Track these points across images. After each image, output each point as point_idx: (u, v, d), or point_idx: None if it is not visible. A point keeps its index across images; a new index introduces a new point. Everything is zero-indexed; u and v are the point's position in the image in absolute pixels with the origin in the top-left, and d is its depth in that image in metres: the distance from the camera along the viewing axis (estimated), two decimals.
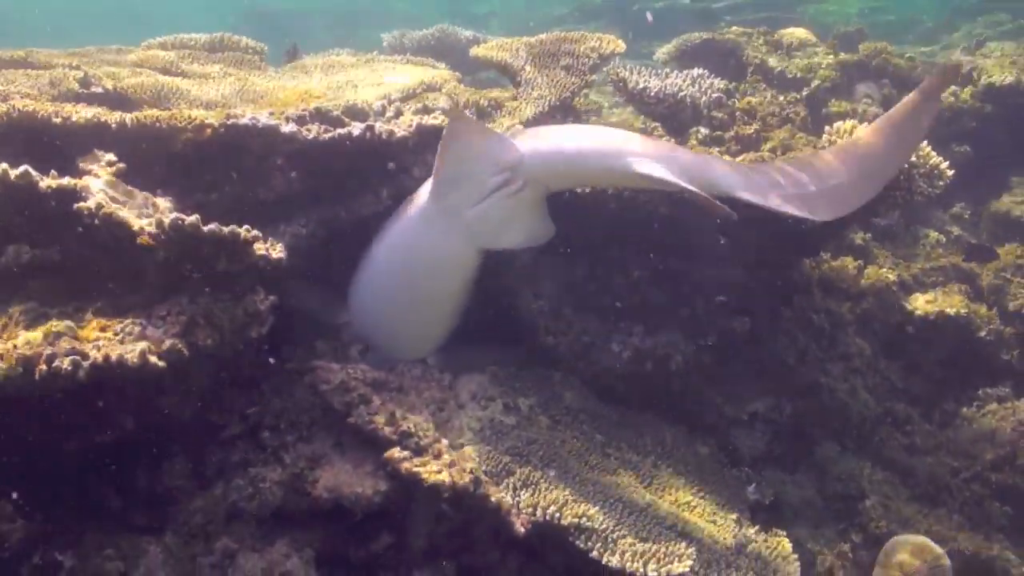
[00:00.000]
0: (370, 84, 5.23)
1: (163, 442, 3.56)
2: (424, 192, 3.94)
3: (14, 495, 3.11)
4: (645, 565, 3.12)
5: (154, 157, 3.82)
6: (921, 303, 5.78)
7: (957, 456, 5.15)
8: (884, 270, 5.96)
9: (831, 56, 7.71)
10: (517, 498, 3.37)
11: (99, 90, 4.96)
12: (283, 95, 4.67)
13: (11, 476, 3.12)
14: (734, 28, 8.51)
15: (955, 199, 7.20)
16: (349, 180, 4.13)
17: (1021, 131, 7.09)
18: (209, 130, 3.74)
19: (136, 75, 4.92)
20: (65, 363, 2.43)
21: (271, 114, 3.88)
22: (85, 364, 2.46)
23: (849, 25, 11.63)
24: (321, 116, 4.11)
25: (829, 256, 5.84)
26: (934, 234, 6.86)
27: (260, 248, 3.10)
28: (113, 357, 2.51)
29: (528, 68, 4.97)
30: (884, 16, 18.61)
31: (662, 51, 7.94)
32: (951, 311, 5.66)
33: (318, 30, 18.45)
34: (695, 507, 3.87)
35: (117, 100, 4.80)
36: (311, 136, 3.84)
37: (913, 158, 4.32)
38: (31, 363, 2.45)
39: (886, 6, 19.49)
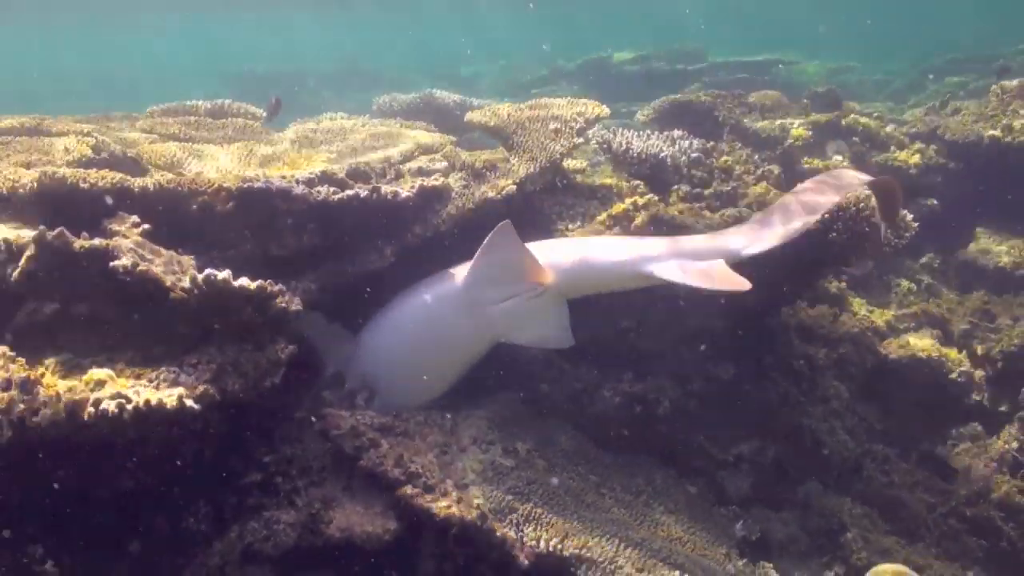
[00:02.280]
0: (368, 148, 5.54)
1: (182, 488, 3.75)
2: (457, 275, 4.37)
3: (44, 539, 3.29)
4: None
5: (172, 218, 4.07)
6: (894, 347, 6.07)
7: (933, 493, 5.38)
8: (860, 316, 6.26)
9: (803, 116, 8.13)
10: (521, 532, 3.58)
11: (108, 156, 5.22)
12: (289, 158, 4.96)
13: (43, 521, 3.31)
14: (712, 91, 8.94)
15: (925, 249, 7.56)
16: (355, 238, 4.40)
17: (984, 185, 7.49)
18: (225, 193, 4.00)
19: (148, 142, 5.19)
20: (111, 406, 2.65)
21: (283, 177, 4.16)
22: (128, 407, 2.68)
23: (820, 86, 12.14)
24: (328, 179, 4.40)
25: (806, 305, 6.14)
26: (906, 283, 7.20)
27: (280, 301, 3.34)
28: (154, 401, 2.73)
29: (519, 132, 5.29)
30: (856, 76, 19.30)
31: (642, 113, 8.33)
32: (923, 355, 5.96)
33: (304, 94, 18.86)
34: (686, 542, 4.09)
35: (129, 166, 5.08)
36: (321, 197, 4.11)
37: None
38: (78, 407, 2.66)
39: (855, 66, 20.23)
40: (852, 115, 8.08)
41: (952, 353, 6.11)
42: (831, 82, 15.24)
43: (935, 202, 7.44)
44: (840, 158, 7.44)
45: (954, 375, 5.96)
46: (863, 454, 5.54)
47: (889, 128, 8.14)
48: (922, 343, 6.13)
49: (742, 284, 4.12)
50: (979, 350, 6.16)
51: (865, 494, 5.27)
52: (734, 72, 16.90)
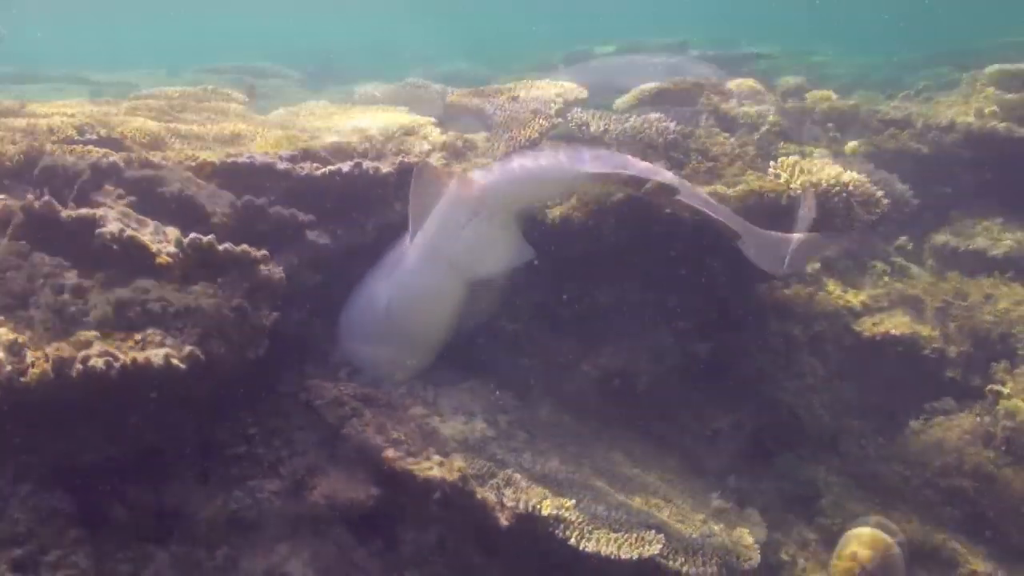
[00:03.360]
0: (352, 129, 5.60)
1: (169, 457, 3.81)
2: (416, 238, 4.34)
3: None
4: (619, 549, 3.42)
5: (156, 193, 4.12)
6: (869, 325, 6.19)
7: (908, 465, 5.49)
8: (835, 295, 6.37)
9: (778, 103, 8.24)
10: (501, 495, 3.65)
11: (94, 137, 5.26)
12: (272, 137, 5.01)
13: (30, 483, 3.35)
14: (689, 78, 9.02)
15: (899, 233, 7.68)
16: (338, 214, 4.46)
17: (956, 169, 7.62)
18: (209, 167, 4.06)
19: (132, 121, 5.23)
20: (99, 363, 2.70)
21: (266, 154, 4.21)
22: (116, 364, 2.74)
23: (798, 76, 12.27)
24: (311, 156, 4.46)
25: (781, 284, 6.25)
26: (880, 264, 7.31)
27: (264, 268, 3.40)
28: (140, 359, 2.79)
29: (499, 113, 5.37)
30: (833, 70, 19.45)
31: (621, 100, 8.39)
32: (897, 332, 6.08)
33: (292, 85, 18.83)
34: (663, 508, 4.17)
35: (113, 145, 5.11)
36: (304, 173, 4.17)
37: (851, 187, 4.75)
38: (66, 365, 2.71)
39: (832, 61, 20.39)
40: (826, 103, 8.20)
41: (926, 331, 6.23)
42: (809, 75, 15.38)
43: (908, 187, 7.56)
44: (815, 143, 7.55)
45: (927, 351, 6.07)
46: (840, 429, 5.65)
47: (863, 114, 8.26)
48: (896, 321, 6.24)
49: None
50: (952, 327, 6.28)
51: (841, 467, 5.38)
52: (718, 64, 16.97)
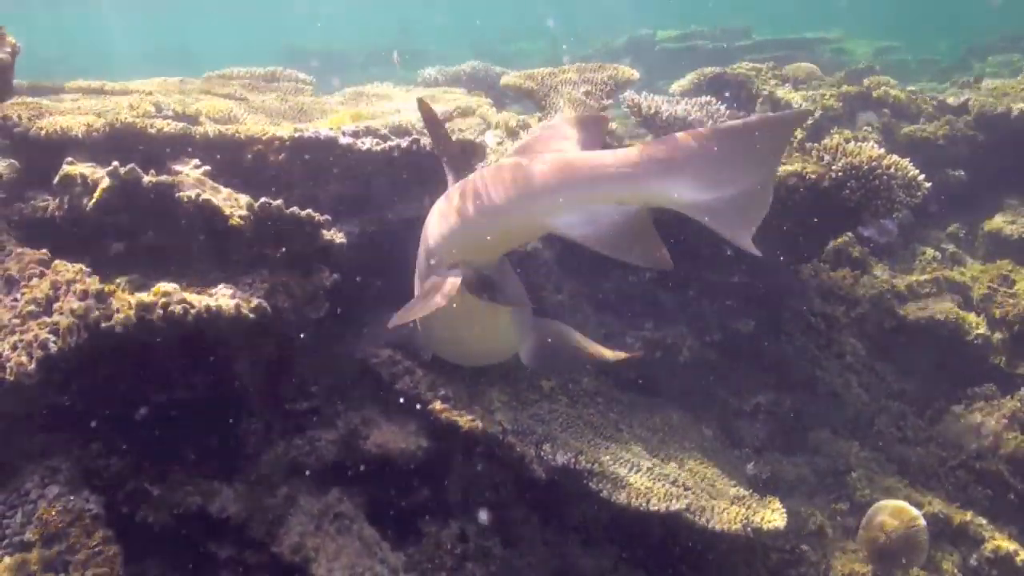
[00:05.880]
0: (413, 109, 5.87)
1: (234, 407, 4.15)
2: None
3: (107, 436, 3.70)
4: (647, 502, 3.65)
5: (229, 165, 4.45)
6: (913, 310, 6.27)
7: (944, 447, 5.61)
8: (881, 279, 6.47)
9: (835, 88, 8.30)
10: (540, 451, 3.91)
11: (170, 114, 5.63)
12: (337, 117, 5.31)
13: (105, 421, 3.71)
14: (745, 63, 9.13)
15: (951, 219, 7.71)
16: (396, 187, 4.74)
17: (1011, 156, 7.61)
18: (279, 142, 4.37)
19: (207, 100, 5.58)
20: (178, 308, 3.03)
21: (330, 129, 4.51)
22: (192, 311, 3.06)
23: (860, 63, 12.21)
24: (371, 132, 4.74)
25: (828, 267, 6.37)
26: (930, 251, 7.36)
27: (327, 234, 3.70)
28: (214, 306, 3.11)
29: (551, 94, 5.59)
30: (899, 55, 19.18)
31: (677, 84, 8.56)
32: (941, 317, 6.16)
33: (354, 68, 19.28)
34: (696, 472, 4.38)
35: (188, 121, 5.47)
36: (365, 147, 4.45)
37: (892, 170, 4.87)
38: (148, 310, 3.04)
39: (900, 46, 20.08)
40: (883, 87, 8.23)
41: (970, 317, 6.29)
42: (875, 61, 15.24)
43: (962, 173, 7.59)
44: (869, 129, 7.61)
45: (971, 337, 6.14)
46: (879, 409, 5.78)
47: (919, 100, 8.27)
48: (941, 306, 6.32)
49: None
50: (997, 314, 6.33)
51: (877, 445, 5.51)
52: (779, 50, 16.89)
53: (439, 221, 3.63)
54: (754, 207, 2.86)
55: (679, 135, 2.85)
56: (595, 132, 3.42)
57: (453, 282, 3.41)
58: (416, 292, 3.82)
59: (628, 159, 2.92)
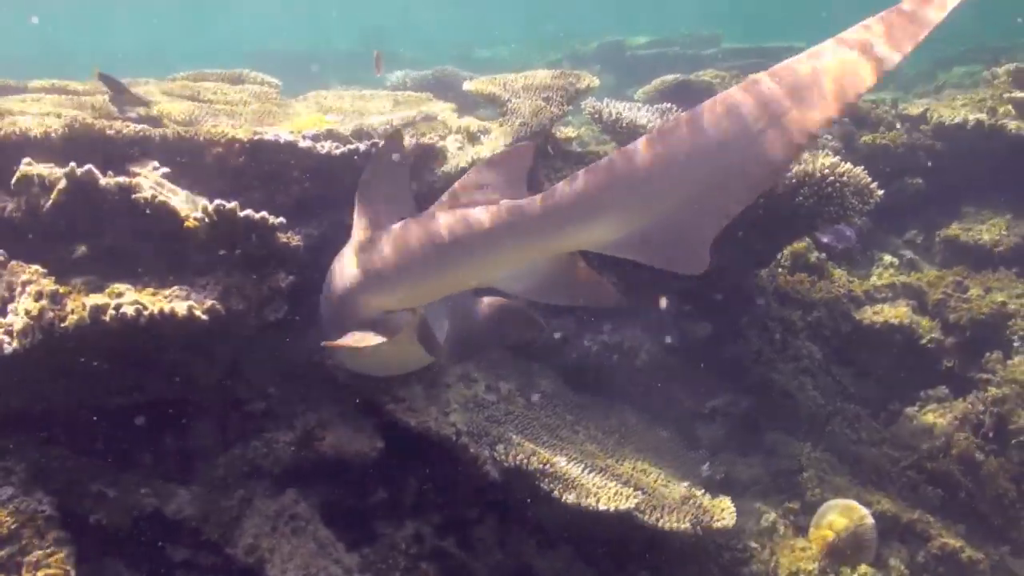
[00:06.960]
0: (375, 113, 5.92)
1: (191, 410, 4.17)
2: None
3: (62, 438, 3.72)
4: (597, 502, 3.71)
5: (190, 167, 4.47)
6: (869, 314, 6.40)
7: (897, 447, 5.72)
8: (838, 284, 6.59)
9: None
10: (493, 452, 3.96)
11: (133, 115, 5.63)
12: (300, 120, 5.34)
13: (62, 425, 3.72)
14: (709, 71, 9.25)
15: (909, 226, 7.86)
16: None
17: (968, 165, 7.78)
18: (238, 144, 4.39)
19: (169, 102, 5.59)
20: (130, 311, 3.05)
21: (291, 132, 4.54)
22: (145, 313, 3.08)
23: None
24: (333, 136, 4.78)
25: (785, 272, 6.48)
26: (888, 257, 7.50)
27: (282, 236, 3.73)
28: (167, 309, 3.13)
29: (513, 100, 5.65)
30: None
31: (641, 91, 8.66)
32: (896, 321, 6.29)
33: (328, 71, 19.24)
34: (651, 473, 4.45)
35: (150, 124, 5.48)
36: (324, 151, 4.49)
37: (844, 177, 4.97)
38: (101, 311, 3.06)
39: None
40: None
41: (925, 321, 6.43)
42: None
43: (920, 181, 7.74)
44: (829, 137, 7.74)
45: (924, 341, 6.28)
46: (834, 411, 5.88)
47: (879, 110, 8.42)
48: (896, 311, 6.45)
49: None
50: (951, 319, 6.47)
51: (830, 446, 5.61)
52: (747, 57, 17.04)
53: (357, 275, 3.46)
54: (703, 222, 2.55)
55: (592, 168, 2.59)
56: (517, 169, 3.16)
57: (401, 326, 3.27)
58: (332, 317, 3.69)
59: (527, 212, 2.74)
